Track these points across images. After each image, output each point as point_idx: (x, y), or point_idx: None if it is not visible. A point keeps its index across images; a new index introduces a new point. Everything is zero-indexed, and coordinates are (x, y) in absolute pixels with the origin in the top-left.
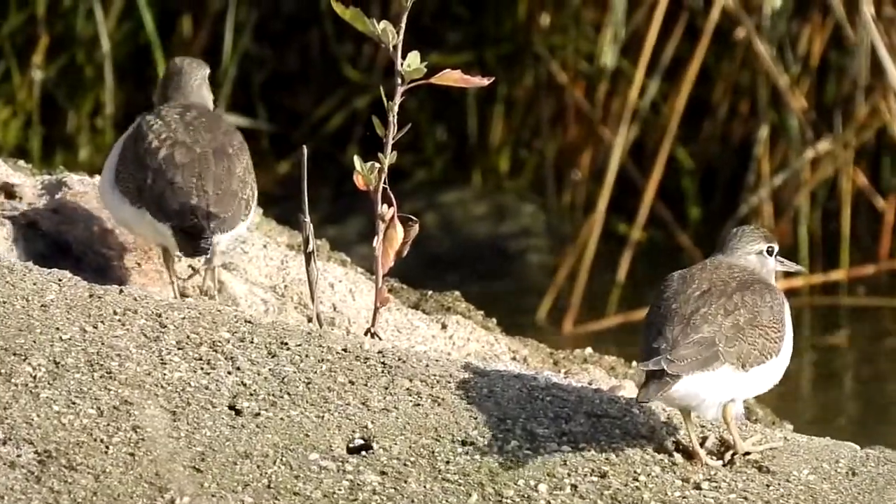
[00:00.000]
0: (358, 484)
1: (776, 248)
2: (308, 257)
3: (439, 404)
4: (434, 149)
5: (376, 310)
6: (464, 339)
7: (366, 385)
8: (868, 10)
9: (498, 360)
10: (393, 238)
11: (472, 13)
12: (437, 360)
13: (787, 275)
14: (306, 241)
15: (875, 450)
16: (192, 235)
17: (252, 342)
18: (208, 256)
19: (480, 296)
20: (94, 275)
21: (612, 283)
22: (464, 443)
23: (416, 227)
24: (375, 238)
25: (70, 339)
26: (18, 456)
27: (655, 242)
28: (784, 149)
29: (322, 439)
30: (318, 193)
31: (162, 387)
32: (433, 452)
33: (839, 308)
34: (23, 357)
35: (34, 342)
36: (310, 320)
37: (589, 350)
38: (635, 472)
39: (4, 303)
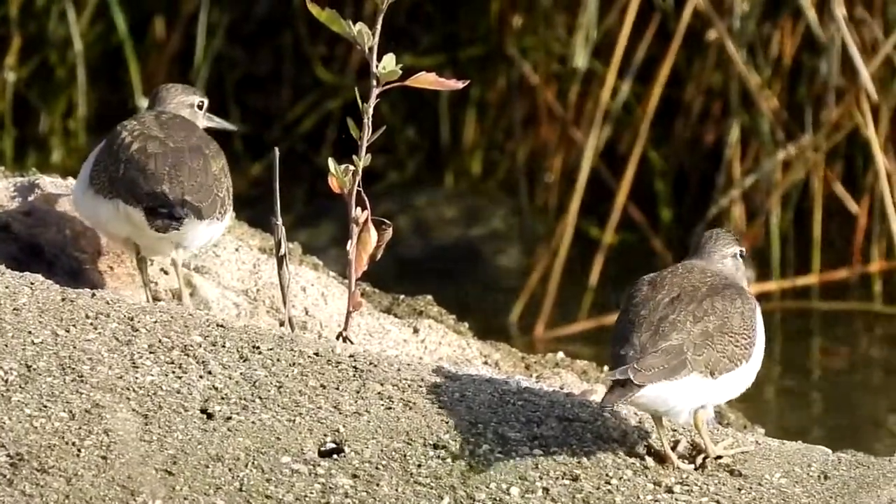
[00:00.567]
0: (330, 487)
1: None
2: (280, 261)
3: (411, 408)
4: (406, 151)
5: (349, 314)
6: (436, 343)
7: (337, 389)
8: (840, 11)
9: (470, 364)
10: (366, 242)
11: (445, 15)
12: (408, 365)
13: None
14: (278, 245)
15: (847, 453)
16: (163, 214)
17: (224, 346)
18: (178, 234)
19: (452, 299)
20: (66, 278)
21: (584, 286)
22: (435, 446)
23: (390, 230)
24: (349, 242)
25: (42, 342)
26: None
27: (628, 245)
28: (756, 151)
29: (294, 443)
30: (290, 195)
31: (134, 390)
32: (405, 456)
33: (811, 312)
34: None
35: (6, 346)
36: (282, 324)
37: (561, 354)
38: (607, 475)
39: None
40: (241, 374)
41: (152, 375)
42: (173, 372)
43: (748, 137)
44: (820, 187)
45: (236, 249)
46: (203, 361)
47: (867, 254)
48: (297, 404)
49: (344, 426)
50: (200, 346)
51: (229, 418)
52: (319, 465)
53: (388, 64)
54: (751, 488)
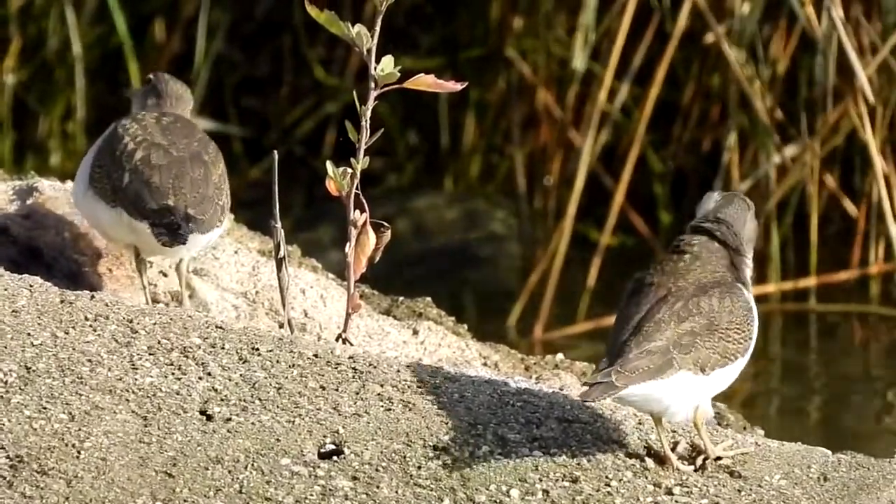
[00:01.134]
0: (330, 489)
1: None
2: (279, 263)
3: (410, 409)
4: (405, 153)
5: (348, 316)
6: (435, 344)
7: (337, 390)
8: (836, 12)
9: (469, 365)
10: (365, 244)
11: (445, 17)
12: (408, 366)
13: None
14: (277, 247)
15: (847, 455)
16: (171, 229)
17: (223, 348)
18: (183, 248)
19: (452, 301)
20: (65, 280)
21: (582, 288)
22: (435, 448)
23: (389, 233)
24: (348, 244)
25: (41, 344)
26: None
27: (626, 247)
28: (754, 153)
29: (293, 444)
30: (289, 198)
31: (133, 392)
32: (405, 457)
33: (809, 314)
34: None
35: (5, 347)
36: (281, 326)
37: (560, 356)
38: (607, 477)
39: None
40: (240, 375)
41: (152, 377)
42: (172, 374)
43: (746, 140)
44: (817, 191)
45: (235, 252)
46: (202, 363)
47: (866, 256)
48: (297, 406)
49: (343, 427)
50: (200, 347)
51: (229, 420)
52: (319, 467)
53: (387, 66)
54: (750, 490)
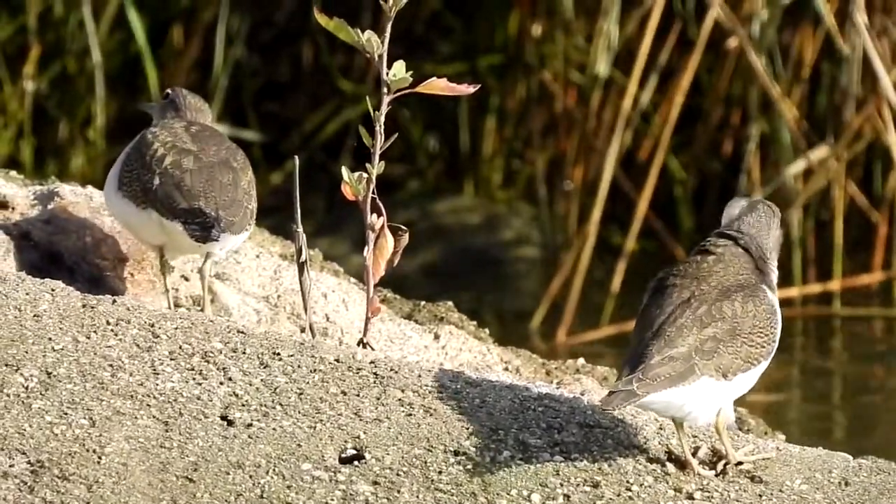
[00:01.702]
0: (350, 494)
1: None
2: (301, 267)
3: (431, 414)
4: (426, 159)
5: (368, 320)
6: (456, 349)
7: (358, 395)
8: (861, 18)
9: (490, 370)
10: (383, 248)
11: (465, 23)
12: (429, 371)
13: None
14: (299, 252)
15: (868, 459)
16: (203, 226)
17: (244, 353)
18: (215, 244)
19: (473, 306)
20: (87, 285)
21: (605, 293)
22: (456, 453)
23: (407, 236)
24: (366, 248)
25: (62, 349)
26: (11, 466)
27: (649, 252)
28: (776, 159)
29: (314, 449)
30: (311, 204)
31: (154, 397)
32: (426, 462)
33: (832, 318)
34: (15, 367)
35: (26, 352)
36: (302, 330)
37: (581, 360)
38: (628, 481)
39: None
40: (261, 380)
41: (173, 382)
42: (194, 378)
43: (768, 145)
44: (841, 195)
45: (257, 256)
46: (223, 368)
47: (888, 261)
48: (318, 411)
49: (364, 433)
50: (221, 352)
51: (250, 425)
52: (340, 472)
53: (399, 71)
54: (772, 494)
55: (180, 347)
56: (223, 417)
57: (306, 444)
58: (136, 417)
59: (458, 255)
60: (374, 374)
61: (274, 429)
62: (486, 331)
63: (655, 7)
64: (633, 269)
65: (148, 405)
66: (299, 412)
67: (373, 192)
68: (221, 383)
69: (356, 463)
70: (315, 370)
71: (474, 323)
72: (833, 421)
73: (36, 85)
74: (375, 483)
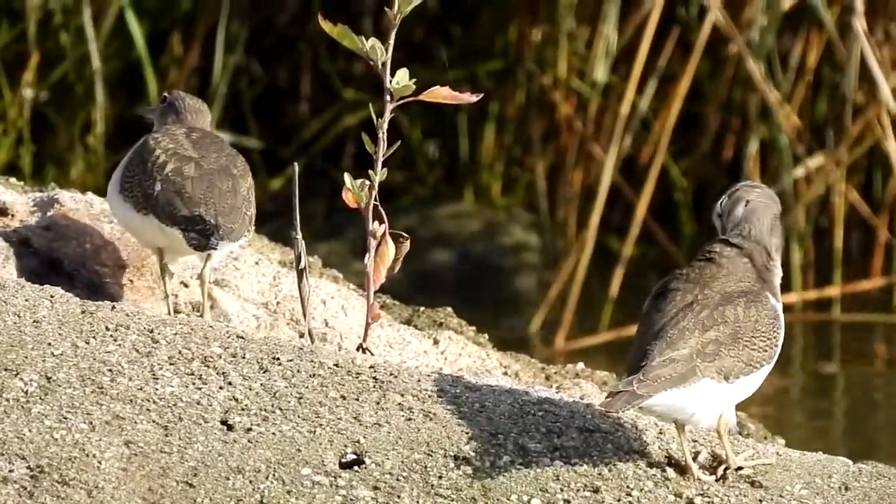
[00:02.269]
0: (350, 499)
1: None
2: (300, 274)
3: (431, 419)
4: (426, 166)
5: (368, 325)
6: (455, 354)
7: (357, 400)
8: (860, 25)
9: (490, 375)
10: (384, 255)
11: (464, 30)
12: (428, 376)
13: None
14: (298, 258)
15: (868, 465)
16: (202, 234)
17: (244, 357)
18: (210, 254)
19: (472, 311)
20: (86, 291)
21: (604, 298)
22: (456, 458)
23: (408, 243)
24: (367, 255)
25: (62, 354)
26: (11, 471)
27: (648, 258)
28: (775, 165)
29: (314, 454)
30: (310, 210)
31: (154, 402)
32: (426, 467)
33: (832, 323)
34: (14, 372)
35: (26, 358)
36: (301, 336)
37: (581, 365)
38: (628, 486)
39: None
40: (261, 385)
41: (172, 387)
42: (193, 383)
43: (767, 151)
44: (840, 201)
45: (256, 262)
46: (223, 373)
47: (888, 267)
48: (318, 415)
49: (364, 437)
50: (220, 357)
51: (249, 430)
52: (340, 477)
53: (402, 79)
54: (771, 499)
55: (180, 352)
56: (223, 422)
57: (306, 449)
58: (135, 422)
59: (458, 261)
60: (374, 378)
61: (274, 433)
62: (486, 336)
63: (654, 12)
64: (632, 275)
65: (148, 410)
66: (299, 417)
67: (375, 199)
68: (221, 388)
69: (356, 468)
70: (314, 375)
71: (473, 328)
72: (833, 426)
73: (35, 92)
74: (375, 488)
